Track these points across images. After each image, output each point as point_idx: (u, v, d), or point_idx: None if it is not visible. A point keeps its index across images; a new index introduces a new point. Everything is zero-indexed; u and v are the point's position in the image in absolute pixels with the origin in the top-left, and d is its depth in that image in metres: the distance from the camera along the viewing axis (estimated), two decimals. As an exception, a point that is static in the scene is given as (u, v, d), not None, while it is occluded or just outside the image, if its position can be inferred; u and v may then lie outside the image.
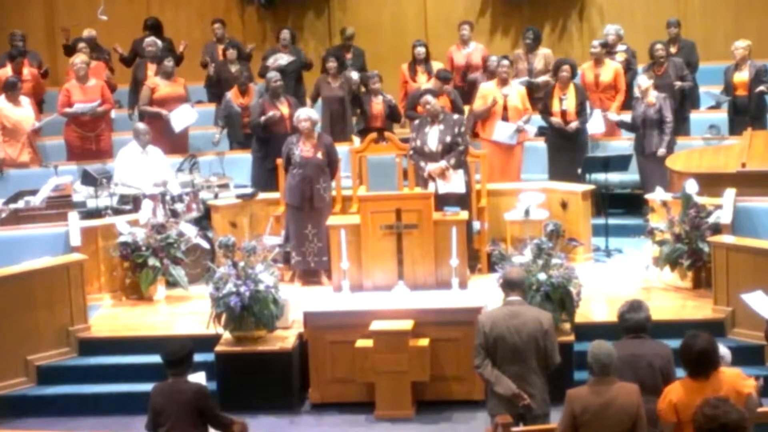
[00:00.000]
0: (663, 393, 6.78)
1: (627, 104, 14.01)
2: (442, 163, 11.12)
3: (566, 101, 12.83)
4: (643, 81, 12.78)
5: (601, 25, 15.89)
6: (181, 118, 13.69)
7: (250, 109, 13.42)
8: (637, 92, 13.07)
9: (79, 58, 13.91)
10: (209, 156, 13.43)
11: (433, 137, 11.22)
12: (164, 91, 13.84)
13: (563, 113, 12.82)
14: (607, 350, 6.91)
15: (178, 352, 7.43)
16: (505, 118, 12.73)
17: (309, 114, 11.51)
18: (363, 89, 14.18)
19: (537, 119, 13.88)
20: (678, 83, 13.65)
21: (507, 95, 12.91)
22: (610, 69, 13.80)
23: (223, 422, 7.42)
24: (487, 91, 13.02)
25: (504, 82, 12.99)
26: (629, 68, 14.24)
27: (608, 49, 14.11)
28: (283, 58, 14.66)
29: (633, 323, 7.46)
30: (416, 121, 11.63)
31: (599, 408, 6.79)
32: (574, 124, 12.74)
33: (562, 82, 12.93)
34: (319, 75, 14.45)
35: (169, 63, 13.99)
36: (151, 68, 14.54)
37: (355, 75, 13.96)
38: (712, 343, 6.75)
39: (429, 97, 11.35)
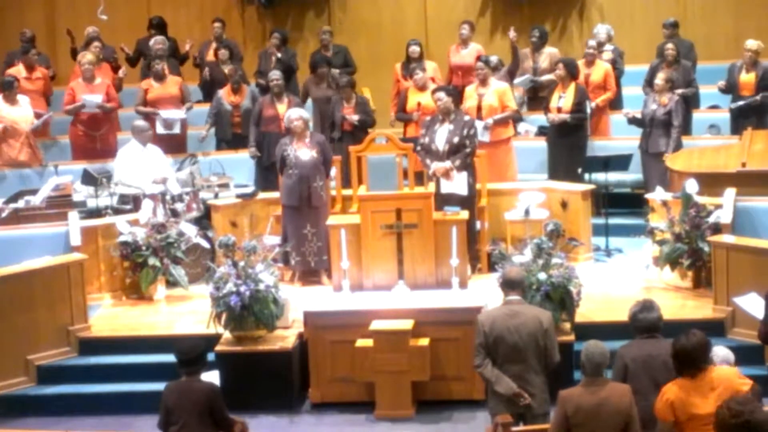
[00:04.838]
0: (660, 393, 6.77)
1: (615, 104, 14.00)
2: (447, 164, 11.09)
3: (563, 99, 12.82)
4: (662, 79, 12.65)
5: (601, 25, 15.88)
6: (169, 120, 13.65)
7: (241, 109, 13.43)
8: (644, 92, 12.94)
9: (86, 58, 13.88)
10: (210, 156, 13.42)
11: (442, 136, 11.17)
12: (156, 92, 13.85)
13: (559, 110, 12.81)
14: (602, 350, 6.91)
15: (191, 352, 7.48)
16: (479, 118, 12.62)
17: (300, 114, 11.49)
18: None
19: (539, 119, 13.90)
20: (679, 91, 13.24)
21: (483, 95, 12.83)
22: (601, 69, 13.79)
23: (229, 423, 7.45)
24: (469, 93, 12.98)
25: (482, 83, 12.92)
26: (615, 68, 14.20)
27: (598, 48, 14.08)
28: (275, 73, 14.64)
29: (646, 323, 7.42)
30: (427, 118, 11.59)
31: (592, 408, 6.78)
32: (560, 116, 12.71)
33: (560, 80, 12.93)
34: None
35: (158, 65, 13.97)
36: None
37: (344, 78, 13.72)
38: (694, 343, 6.67)
39: (441, 94, 11.26)
